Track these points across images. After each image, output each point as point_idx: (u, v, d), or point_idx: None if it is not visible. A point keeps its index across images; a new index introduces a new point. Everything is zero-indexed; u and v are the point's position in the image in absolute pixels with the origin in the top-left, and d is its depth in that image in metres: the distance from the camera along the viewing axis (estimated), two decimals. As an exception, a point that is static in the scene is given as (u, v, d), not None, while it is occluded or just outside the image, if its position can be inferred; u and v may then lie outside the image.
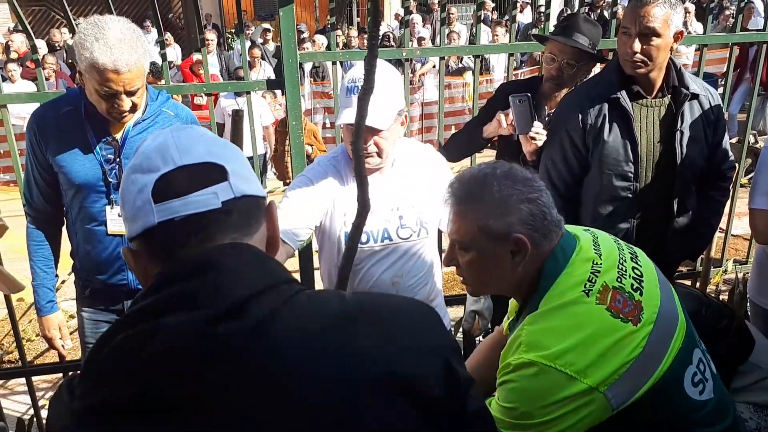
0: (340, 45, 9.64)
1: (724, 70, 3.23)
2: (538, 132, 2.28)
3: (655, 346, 1.21)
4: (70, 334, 2.29)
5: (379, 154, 1.85)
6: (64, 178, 1.99)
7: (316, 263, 2.33)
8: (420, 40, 8.95)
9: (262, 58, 8.73)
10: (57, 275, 2.20)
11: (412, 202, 1.96)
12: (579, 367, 1.16)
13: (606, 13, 9.92)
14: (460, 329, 2.66)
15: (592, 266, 1.28)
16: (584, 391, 1.16)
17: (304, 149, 2.60)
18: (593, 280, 1.25)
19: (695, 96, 2.14)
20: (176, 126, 0.89)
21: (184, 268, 0.76)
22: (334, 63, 2.81)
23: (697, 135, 2.14)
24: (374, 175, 1.88)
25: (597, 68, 2.58)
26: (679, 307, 1.33)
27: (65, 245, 2.20)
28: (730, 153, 2.30)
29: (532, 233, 1.26)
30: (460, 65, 8.65)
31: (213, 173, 0.80)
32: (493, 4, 13.20)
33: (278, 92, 6.86)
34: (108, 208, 1.99)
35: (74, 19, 2.54)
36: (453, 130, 3.09)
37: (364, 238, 1.91)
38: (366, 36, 2.76)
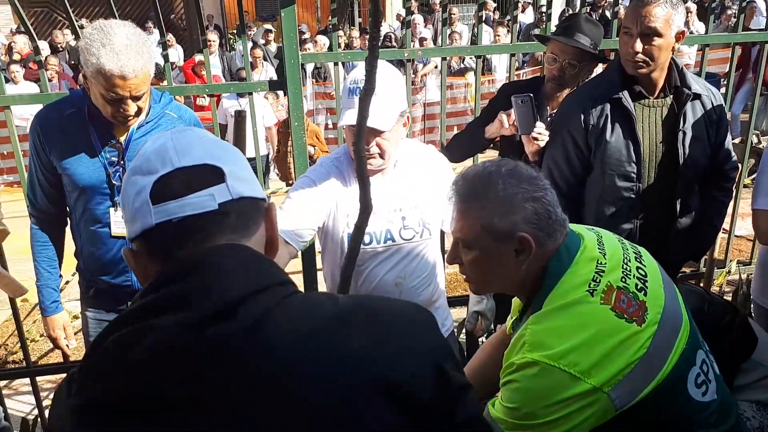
0: (342, 46, 9.64)
1: (727, 69, 3.23)
2: (541, 132, 2.28)
3: (659, 347, 1.21)
4: (75, 334, 2.30)
5: (381, 156, 1.85)
6: (68, 180, 2.00)
7: (318, 264, 2.33)
8: (422, 40, 8.96)
9: (264, 58, 8.74)
10: (61, 275, 2.20)
11: (415, 203, 1.96)
12: (583, 367, 1.15)
13: (608, 13, 9.91)
14: (463, 330, 2.66)
15: (597, 266, 1.27)
16: (588, 391, 1.15)
17: (306, 150, 2.60)
18: (597, 280, 1.24)
19: (697, 96, 2.13)
20: (177, 128, 0.90)
21: (179, 269, 0.77)
22: (335, 64, 2.82)
23: (700, 135, 2.14)
24: (376, 176, 1.88)
25: (599, 68, 2.58)
26: (683, 307, 1.32)
27: (69, 246, 2.20)
28: (733, 153, 2.30)
29: (536, 232, 1.25)
30: (462, 66, 8.65)
31: (210, 175, 0.81)
32: (495, 5, 13.20)
33: (280, 93, 6.87)
34: (112, 210, 2.00)
35: (76, 21, 2.54)
36: (455, 131, 3.09)
37: (366, 239, 1.91)
38: (367, 36, 2.76)
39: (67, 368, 2.82)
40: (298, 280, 2.75)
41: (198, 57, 8.28)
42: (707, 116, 2.15)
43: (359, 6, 15.57)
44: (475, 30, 2.91)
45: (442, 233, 2.19)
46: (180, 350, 0.71)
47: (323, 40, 9.17)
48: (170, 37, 10.26)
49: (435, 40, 9.86)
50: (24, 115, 7.02)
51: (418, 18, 10.38)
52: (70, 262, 2.23)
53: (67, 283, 3.67)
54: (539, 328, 1.22)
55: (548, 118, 2.42)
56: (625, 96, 2.09)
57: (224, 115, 6.76)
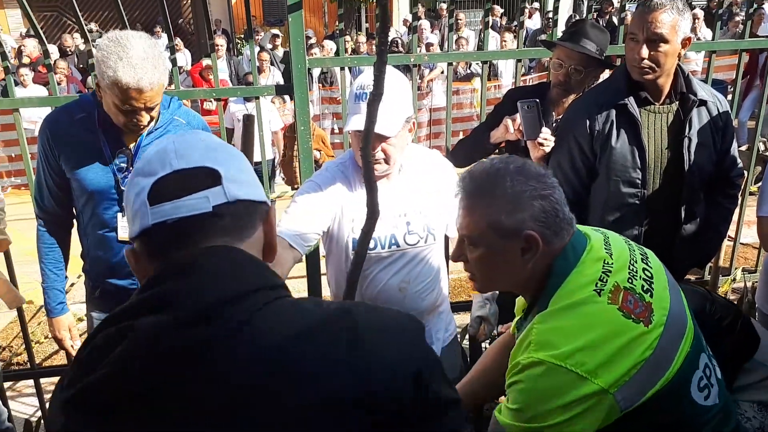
0: (349, 51, 9.67)
1: (734, 76, 3.21)
2: (546, 138, 2.28)
3: (665, 349, 1.20)
4: (80, 335, 2.31)
5: (387, 161, 1.85)
6: (77, 184, 2.01)
7: (323, 269, 2.33)
8: (428, 45, 8.97)
9: (272, 63, 8.77)
10: (67, 277, 2.22)
11: (420, 208, 1.96)
12: (590, 367, 1.14)
13: (615, 19, 9.91)
14: (467, 335, 2.65)
15: (603, 266, 1.26)
16: (595, 392, 1.14)
17: (312, 154, 2.61)
18: (605, 280, 1.23)
19: (703, 102, 2.13)
20: (181, 132, 0.91)
21: (167, 271, 0.78)
22: (342, 68, 2.83)
23: (705, 141, 2.13)
24: (381, 181, 1.89)
25: (605, 74, 2.58)
26: (687, 310, 1.31)
27: (74, 248, 2.22)
28: (739, 160, 2.29)
29: (543, 230, 1.23)
30: (469, 71, 8.66)
31: (207, 177, 0.82)
32: (502, 10, 13.21)
33: (287, 97, 6.89)
34: (119, 215, 2.01)
35: (86, 25, 2.56)
36: (461, 136, 3.10)
37: (371, 244, 1.91)
38: (374, 42, 2.77)
39: (72, 370, 2.83)
40: (303, 285, 2.76)
41: (205, 61, 8.33)
42: (713, 123, 2.14)
43: (366, 11, 15.62)
44: (482, 35, 2.91)
45: (447, 238, 2.19)
46: (157, 351, 0.72)
47: (330, 45, 9.21)
48: (178, 41, 10.32)
49: (441, 46, 9.88)
50: (32, 118, 7.08)
51: (425, 23, 10.40)
52: (74, 264, 2.25)
53: (72, 285, 3.69)
54: (545, 327, 1.20)
55: (554, 124, 2.42)
56: (631, 102, 2.09)
57: (231, 119, 6.80)
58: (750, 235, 4.30)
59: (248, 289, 0.77)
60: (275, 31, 11.03)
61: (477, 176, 1.29)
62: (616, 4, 9.51)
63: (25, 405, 3.29)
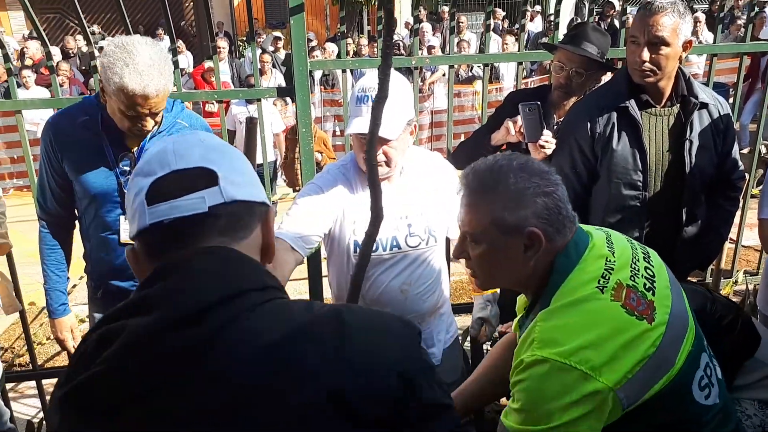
0: (351, 53, 9.68)
1: (735, 79, 3.21)
2: (548, 140, 2.28)
3: (667, 347, 1.19)
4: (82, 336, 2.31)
5: (388, 164, 1.86)
6: (80, 187, 2.02)
7: (324, 271, 2.34)
8: (430, 48, 8.99)
9: (273, 66, 8.79)
10: (69, 278, 2.22)
11: (421, 210, 1.97)
12: (594, 364, 1.13)
13: (616, 22, 9.91)
14: (468, 337, 2.65)
15: (606, 263, 1.25)
16: (600, 390, 1.13)
17: (313, 156, 2.61)
18: (607, 277, 1.23)
19: (704, 105, 2.13)
20: (182, 132, 0.91)
21: (161, 271, 0.79)
22: (344, 71, 2.83)
23: (707, 144, 2.14)
24: (383, 183, 1.89)
25: (607, 77, 2.58)
26: (688, 309, 1.31)
27: (76, 250, 2.22)
28: (740, 162, 2.29)
29: (546, 227, 1.23)
30: (470, 74, 8.67)
31: (203, 178, 0.82)
32: (504, 13, 13.23)
33: (288, 99, 6.91)
34: (122, 218, 2.02)
35: (88, 27, 2.57)
36: (462, 138, 3.09)
37: (372, 245, 1.92)
38: (376, 44, 2.77)
39: (73, 371, 2.83)
40: (304, 286, 2.76)
41: (207, 63, 8.34)
42: (714, 125, 2.15)
43: (368, 14, 15.64)
44: (483, 38, 2.92)
45: (448, 240, 2.20)
46: (156, 351, 0.73)
47: (332, 48, 9.22)
48: (180, 43, 10.34)
49: (443, 48, 9.89)
50: (35, 120, 7.09)
51: (427, 26, 10.42)
52: (76, 266, 2.25)
53: (74, 286, 3.70)
54: (548, 325, 1.20)
55: (555, 126, 2.42)
56: (632, 105, 2.09)
57: (233, 122, 6.80)
58: (752, 237, 4.30)
59: (241, 290, 0.77)
60: (277, 33, 11.04)
61: (480, 173, 1.29)
62: (618, 7, 9.53)
63: (27, 406, 3.29)
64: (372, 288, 1.96)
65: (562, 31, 4.07)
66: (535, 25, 12.05)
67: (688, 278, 2.66)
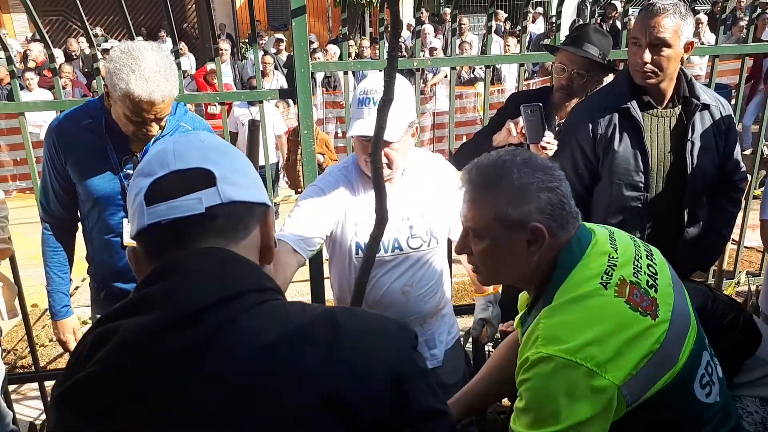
0: (353, 55, 9.69)
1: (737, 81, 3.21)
2: (549, 141, 2.28)
3: (671, 344, 1.19)
4: (84, 338, 2.32)
5: (389, 166, 1.86)
6: (83, 190, 2.02)
7: (326, 272, 2.34)
8: (432, 50, 8.99)
9: (276, 67, 8.80)
10: (71, 280, 2.23)
11: (422, 212, 1.97)
12: (600, 361, 1.12)
13: (618, 24, 9.92)
14: (470, 338, 2.65)
15: (609, 260, 1.25)
16: (605, 387, 1.12)
17: (315, 158, 2.62)
18: (610, 273, 1.22)
19: (706, 106, 2.13)
20: (184, 133, 0.92)
21: (157, 272, 0.79)
22: (345, 72, 2.84)
23: (708, 145, 2.14)
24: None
25: (609, 78, 2.58)
26: (690, 308, 1.31)
27: (79, 252, 2.23)
28: (742, 164, 2.29)
29: (550, 223, 1.22)
30: (472, 75, 8.67)
31: (201, 179, 0.82)
32: (506, 15, 13.23)
33: (291, 101, 6.91)
34: (125, 221, 2.02)
35: (91, 29, 2.58)
36: (464, 140, 3.10)
37: (374, 247, 1.92)
38: (378, 46, 2.78)
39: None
40: (306, 288, 2.76)
41: (210, 65, 8.36)
42: (716, 126, 2.15)
43: (370, 16, 15.66)
44: (485, 40, 2.92)
45: (449, 241, 2.20)
46: (139, 352, 0.73)
47: (334, 49, 9.23)
48: (182, 45, 10.36)
49: (445, 50, 9.90)
50: (37, 122, 7.11)
51: (429, 28, 10.43)
52: (79, 268, 2.26)
53: (76, 288, 3.70)
54: (552, 322, 1.19)
55: (556, 128, 2.42)
56: (634, 106, 2.09)
57: (235, 123, 6.81)
58: (754, 238, 4.29)
59: (238, 291, 0.77)
60: (279, 35, 11.06)
61: (483, 168, 1.28)
62: (620, 9, 9.52)
63: (29, 408, 3.29)
64: (374, 290, 1.97)
65: (564, 32, 4.07)
66: (537, 27, 12.05)
67: (690, 278, 2.65)
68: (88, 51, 10.08)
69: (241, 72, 9.39)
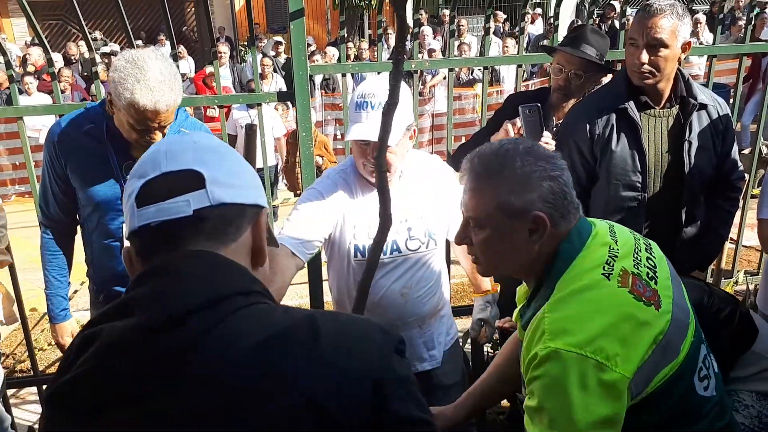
0: (351, 57, 9.70)
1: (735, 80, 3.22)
2: (548, 142, 2.29)
3: (673, 336, 1.18)
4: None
5: (387, 169, 1.86)
6: (83, 194, 2.02)
7: (325, 274, 2.34)
8: (430, 51, 9.00)
9: (275, 70, 8.81)
10: (70, 283, 2.23)
11: (421, 214, 1.97)
12: (609, 354, 1.11)
13: (617, 24, 9.93)
14: (468, 339, 2.66)
15: (609, 251, 1.24)
16: (616, 381, 1.11)
17: (313, 160, 2.62)
18: (611, 264, 1.22)
19: (703, 106, 2.14)
20: (180, 134, 0.91)
21: (144, 275, 0.79)
22: (344, 75, 2.84)
23: (706, 145, 2.14)
24: (382, 187, 1.89)
25: (607, 78, 2.58)
26: (688, 302, 1.31)
27: (77, 255, 2.23)
28: (740, 163, 2.30)
29: (552, 212, 1.21)
30: (471, 77, 8.68)
31: (191, 181, 0.82)
32: (505, 16, 13.24)
33: (290, 104, 6.92)
34: (125, 225, 2.02)
35: (90, 33, 2.58)
36: (463, 141, 3.10)
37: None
38: (376, 48, 2.78)
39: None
40: (305, 290, 2.76)
41: (209, 68, 8.37)
42: (713, 126, 2.15)
43: (369, 18, 15.68)
44: (484, 41, 2.92)
45: (448, 243, 2.20)
46: (125, 355, 0.73)
47: (333, 52, 9.24)
48: (182, 48, 10.38)
49: (444, 52, 9.91)
50: (36, 126, 7.11)
51: (427, 30, 10.44)
52: (78, 271, 2.26)
53: (75, 292, 3.70)
54: (558, 315, 1.17)
55: (554, 128, 2.42)
56: (631, 106, 2.10)
57: (234, 126, 6.82)
58: (752, 237, 4.28)
59: (225, 294, 0.77)
60: (278, 38, 11.07)
61: (485, 157, 1.27)
62: (618, 9, 9.52)
63: (28, 412, 3.29)
64: (372, 292, 1.96)
65: (562, 33, 4.08)
66: (535, 28, 12.06)
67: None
68: (87, 55, 10.11)
69: (240, 75, 9.40)
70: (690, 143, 2.11)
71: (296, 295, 4.15)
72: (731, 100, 3.08)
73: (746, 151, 5.47)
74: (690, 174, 2.12)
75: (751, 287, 3.38)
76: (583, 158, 2.17)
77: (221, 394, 0.71)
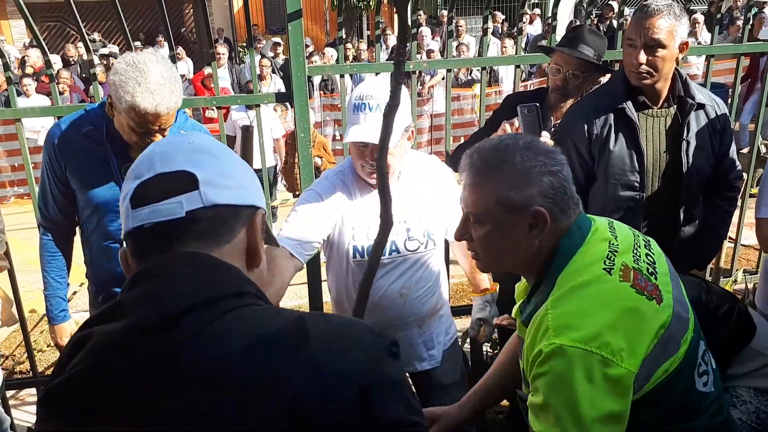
0: (350, 58, 9.70)
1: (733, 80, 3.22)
2: (546, 141, 2.29)
3: (675, 330, 1.18)
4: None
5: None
6: (83, 196, 2.03)
7: (323, 275, 2.34)
8: (429, 52, 9.01)
9: (273, 71, 8.81)
10: (69, 284, 2.23)
11: (419, 214, 1.97)
12: (614, 348, 1.10)
13: (615, 24, 9.93)
14: (467, 339, 2.66)
15: (609, 246, 1.24)
16: (621, 376, 1.10)
17: (312, 161, 2.62)
18: (612, 259, 1.22)
19: (701, 106, 2.14)
20: (176, 134, 0.91)
21: (140, 275, 0.79)
22: (342, 76, 2.84)
23: (704, 144, 2.14)
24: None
25: (605, 79, 2.59)
26: (687, 298, 1.31)
27: (77, 256, 2.23)
28: (738, 162, 2.30)
29: (551, 207, 1.21)
30: (470, 77, 8.69)
31: (184, 182, 0.82)
32: (504, 17, 13.25)
33: (288, 104, 6.92)
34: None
35: (88, 35, 2.58)
36: (462, 142, 3.10)
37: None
38: (374, 49, 2.78)
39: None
40: (304, 291, 2.77)
41: (207, 70, 8.37)
42: (711, 126, 2.15)
43: (367, 19, 15.68)
44: (482, 42, 2.93)
45: (446, 243, 2.20)
46: (118, 356, 0.73)
47: (331, 53, 9.25)
48: (180, 50, 10.38)
49: (443, 52, 9.91)
50: (35, 128, 7.12)
51: (426, 30, 10.44)
52: (77, 273, 2.26)
53: (74, 293, 3.70)
54: (561, 311, 1.17)
55: (552, 129, 2.43)
56: (629, 106, 2.10)
57: (233, 127, 6.82)
58: (751, 236, 4.27)
59: (217, 296, 0.77)
60: (276, 39, 11.08)
61: (485, 152, 1.27)
62: (616, 9, 9.54)
63: (27, 413, 3.29)
64: (372, 292, 1.94)
65: (561, 33, 4.09)
66: (534, 28, 12.07)
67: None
68: (86, 56, 10.11)
69: (238, 76, 9.40)
70: (688, 143, 2.12)
71: (295, 296, 4.15)
72: (729, 100, 3.09)
73: (745, 151, 5.47)
74: (688, 173, 2.13)
75: (750, 286, 3.38)
76: (581, 158, 2.17)
77: (220, 394, 0.71)
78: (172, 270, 0.78)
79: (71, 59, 10.39)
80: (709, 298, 1.64)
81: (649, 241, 1.37)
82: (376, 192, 1.81)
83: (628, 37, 2.08)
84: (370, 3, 13.99)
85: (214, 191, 0.82)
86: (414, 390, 0.84)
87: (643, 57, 2.02)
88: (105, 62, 8.84)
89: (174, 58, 2.73)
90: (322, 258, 2.15)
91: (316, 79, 8.61)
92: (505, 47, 8.46)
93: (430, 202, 1.99)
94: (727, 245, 3.35)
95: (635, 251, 1.27)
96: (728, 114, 2.29)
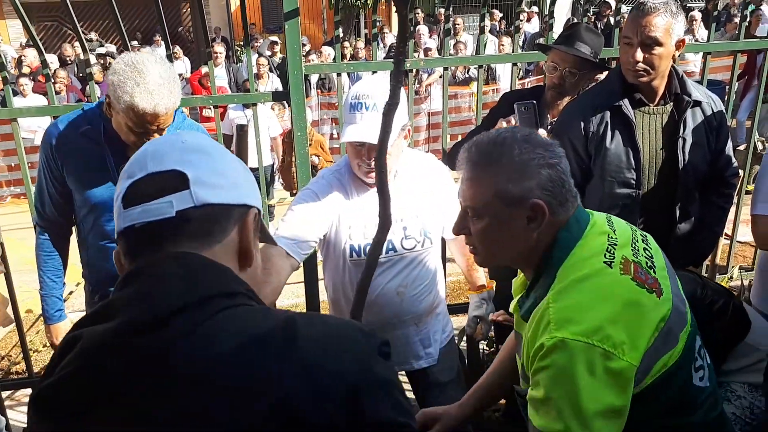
0: (348, 56, 9.69)
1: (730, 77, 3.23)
2: (543, 139, 2.29)
3: (674, 323, 1.18)
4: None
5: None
6: (80, 196, 2.02)
7: (320, 274, 2.34)
8: (426, 50, 9.01)
9: (270, 70, 8.81)
10: (65, 284, 2.23)
11: (416, 213, 1.97)
12: (616, 342, 1.10)
13: (612, 21, 9.93)
14: (464, 337, 2.66)
15: (608, 239, 1.24)
16: (623, 369, 1.10)
17: (309, 160, 2.62)
18: (612, 252, 1.21)
19: (697, 103, 2.14)
20: (171, 134, 0.91)
21: (131, 275, 0.79)
22: (339, 74, 2.84)
23: (700, 141, 2.15)
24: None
25: (602, 76, 2.59)
26: (683, 293, 1.31)
27: (73, 256, 2.23)
28: (734, 159, 2.30)
29: (550, 199, 1.21)
30: (467, 75, 8.68)
31: (175, 182, 0.81)
32: (501, 15, 13.25)
33: (286, 103, 6.92)
34: None
35: (85, 34, 2.58)
36: (459, 140, 3.10)
37: (368, 249, 1.92)
38: (371, 47, 2.78)
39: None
40: (300, 289, 2.77)
41: (204, 69, 8.36)
42: (707, 123, 2.16)
43: (365, 17, 15.67)
44: (479, 40, 2.93)
45: (443, 241, 2.20)
46: (108, 356, 0.73)
47: (328, 51, 9.24)
48: (177, 49, 10.36)
49: (440, 50, 9.91)
50: (32, 127, 7.10)
51: (423, 29, 10.44)
52: (73, 272, 2.25)
53: (70, 293, 3.70)
54: (562, 304, 1.16)
55: (549, 126, 2.43)
56: (626, 103, 2.10)
57: (230, 126, 6.82)
58: (747, 233, 4.27)
59: (208, 296, 0.76)
60: (274, 38, 11.06)
61: (483, 146, 1.26)
62: (614, 7, 9.54)
63: (23, 414, 3.28)
64: (368, 291, 1.96)
65: (557, 31, 4.08)
66: (531, 26, 12.06)
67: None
68: (82, 56, 10.08)
69: (236, 75, 9.39)
70: (684, 140, 2.12)
71: (292, 295, 4.15)
72: (726, 97, 3.09)
73: (742, 147, 5.49)
74: (684, 171, 2.13)
75: (746, 283, 3.39)
76: (578, 155, 2.17)
77: (212, 394, 0.71)
78: (162, 270, 0.78)
79: (68, 59, 10.36)
80: (705, 294, 1.64)
81: (646, 236, 1.37)
82: (373, 191, 1.81)
83: (625, 34, 2.08)
84: (368, 1, 13.98)
85: (205, 190, 0.82)
86: (404, 390, 0.83)
87: (639, 55, 2.02)
88: (102, 62, 8.82)
89: (171, 57, 2.73)
90: (319, 257, 2.15)
91: (314, 78, 8.60)
92: (503, 45, 8.45)
93: (426, 201, 1.99)
94: (723, 242, 3.35)
95: (633, 245, 1.28)
96: (725, 111, 2.29)
